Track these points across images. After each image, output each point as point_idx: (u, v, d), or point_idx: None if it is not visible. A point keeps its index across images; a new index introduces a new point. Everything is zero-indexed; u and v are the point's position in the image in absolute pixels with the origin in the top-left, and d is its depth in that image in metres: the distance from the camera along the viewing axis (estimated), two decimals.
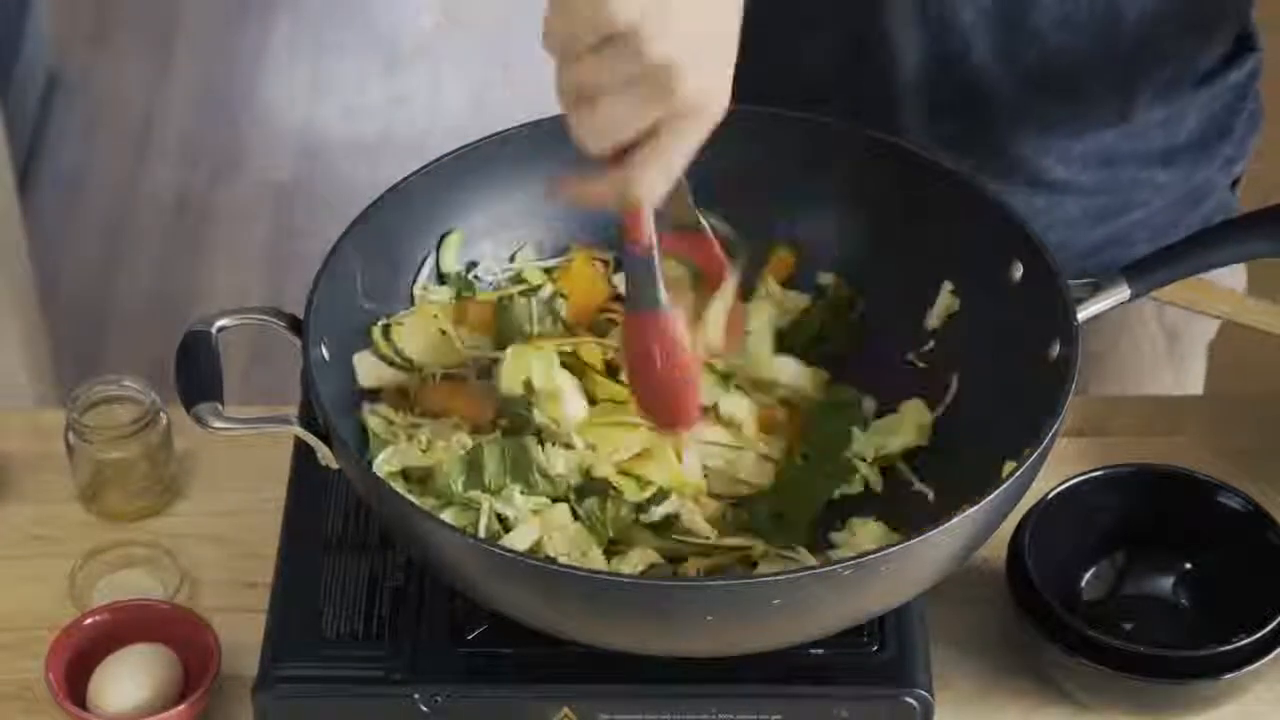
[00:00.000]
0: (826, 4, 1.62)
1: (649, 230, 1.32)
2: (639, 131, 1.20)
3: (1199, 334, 1.84)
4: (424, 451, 1.43)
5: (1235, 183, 1.78)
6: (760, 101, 1.46)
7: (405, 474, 1.44)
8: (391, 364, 1.49)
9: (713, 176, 1.54)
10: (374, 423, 1.46)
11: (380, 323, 1.50)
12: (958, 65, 1.62)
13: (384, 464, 1.42)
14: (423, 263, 1.54)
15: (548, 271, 1.55)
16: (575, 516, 1.41)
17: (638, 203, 1.27)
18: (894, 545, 1.31)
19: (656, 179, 1.23)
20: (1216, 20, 1.67)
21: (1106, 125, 1.67)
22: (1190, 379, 1.86)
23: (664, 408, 1.41)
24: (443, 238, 1.54)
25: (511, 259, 1.56)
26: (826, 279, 1.57)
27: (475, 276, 1.55)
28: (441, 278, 1.54)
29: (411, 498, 1.39)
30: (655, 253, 1.33)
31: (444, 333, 1.49)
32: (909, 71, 1.63)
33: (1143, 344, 1.81)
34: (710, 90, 1.21)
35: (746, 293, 1.55)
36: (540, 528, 1.39)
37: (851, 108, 1.55)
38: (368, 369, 1.48)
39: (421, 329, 1.50)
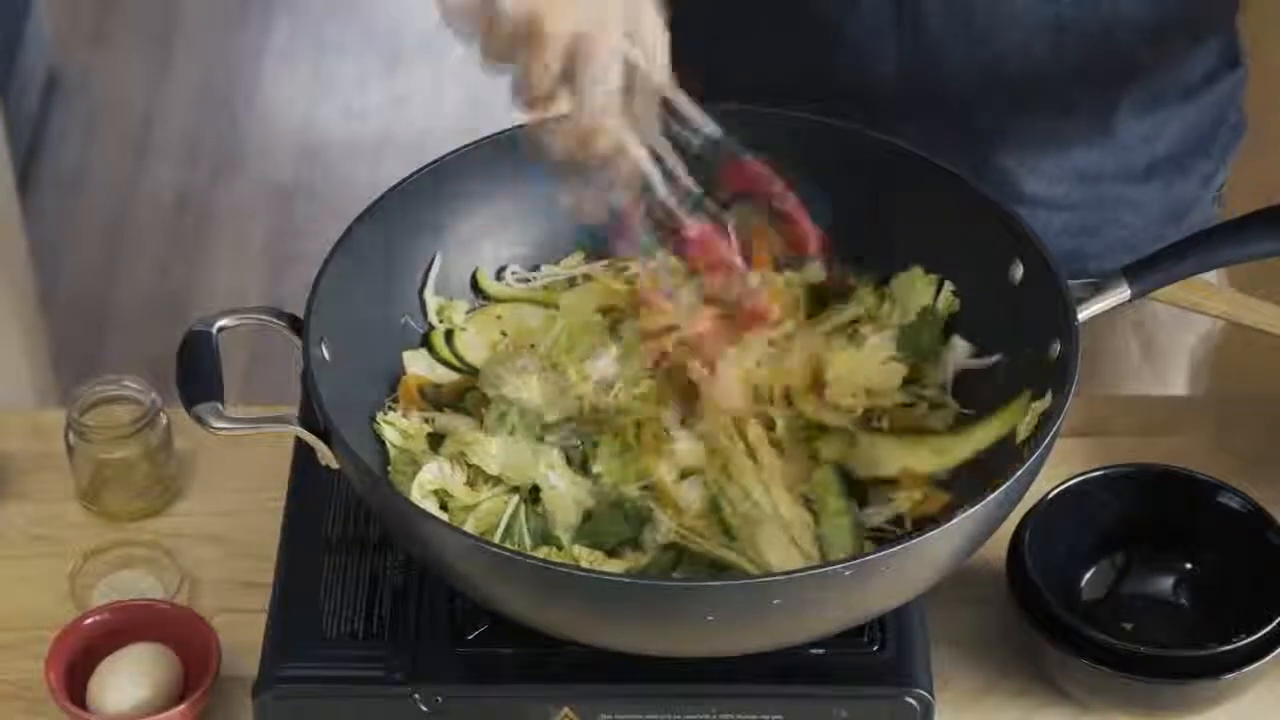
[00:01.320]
0: (802, 4, 1.62)
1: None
2: (551, 79, 1.33)
3: (1177, 343, 1.84)
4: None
5: (1215, 197, 1.78)
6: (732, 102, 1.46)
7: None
8: (449, 366, 1.51)
9: (711, 175, 1.55)
10: (389, 433, 1.46)
11: (442, 328, 1.52)
12: (932, 73, 1.61)
13: (424, 485, 1.43)
14: (429, 267, 1.54)
15: (571, 283, 1.56)
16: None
17: (597, 137, 1.36)
18: (894, 545, 1.31)
19: (589, 105, 1.34)
20: (1201, 34, 1.66)
21: (1087, 141, 1.66)
22: (1168, 390, 1.86)
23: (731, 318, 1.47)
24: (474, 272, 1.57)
25: (537, 268, 1.57)
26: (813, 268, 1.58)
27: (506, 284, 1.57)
28: (481, 294, 1.56)
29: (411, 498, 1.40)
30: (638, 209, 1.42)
31: (504, 334, 1.52)
32: (884, 77, 1.63)
33: (1118, 354, 1.80)
34: (583, 19, 1.32)
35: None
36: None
37: (825, 111, 1.56)
38: (420, 367, 1.51)
39: (484, 334, 1.53)
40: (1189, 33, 1.64)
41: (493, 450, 1.43)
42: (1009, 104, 1.63)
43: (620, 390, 1.48)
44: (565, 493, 1.43)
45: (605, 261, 1.57)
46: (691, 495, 1.44)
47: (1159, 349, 1.82)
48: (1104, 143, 1.67)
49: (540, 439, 1.46)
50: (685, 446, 1.45)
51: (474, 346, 1.53)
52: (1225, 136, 1.74)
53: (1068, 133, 1.66)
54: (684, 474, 1.45)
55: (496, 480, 1.45)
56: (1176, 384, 1.87)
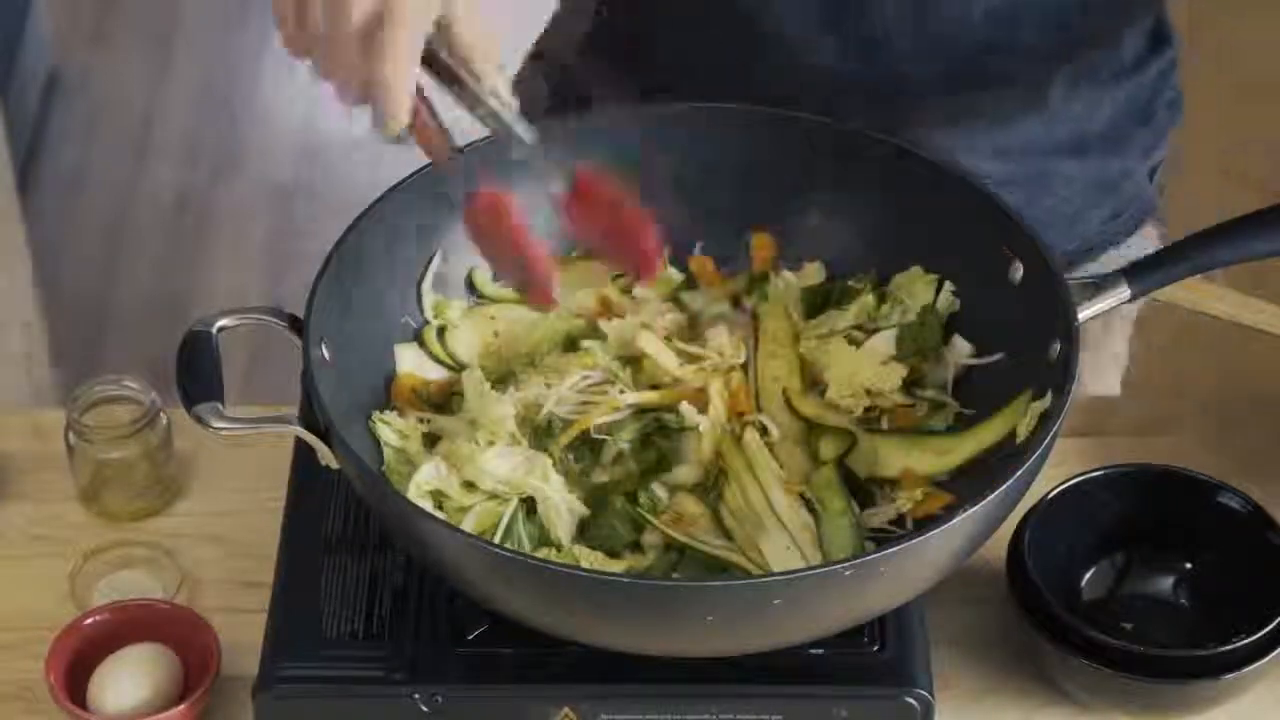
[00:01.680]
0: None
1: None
2: (353, 26, 1.28)
3: (1116, 332, 1.85)
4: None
5: (1154, 171, 1.79)
6: (655, 97, 1.46)
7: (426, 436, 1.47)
8: (440, 363, 1.51)
9: (712, 175, 1.55)
10: (385, 432, 1.46)
11: (435, 324, 1.52)
12: (868, 49, 1.62)
13: (420, 485, 1.43)
14: (428, 264, 1.54)
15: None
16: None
17: (389, 94, 1.30)
18: (894, 545, 1.31)
19: (384, 65, 1.29)
20: (1133, 13, 1.68)
21: (1023, 118, 1.67)
22: (1106, 382, 1.87)
23: (529, 286, 1.42)
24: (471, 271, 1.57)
25: None
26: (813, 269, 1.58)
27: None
28: (477, 294, 1.56)
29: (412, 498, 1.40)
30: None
31: (497, 335, 1.52)
32: (819, 53, 1.63)
33: None
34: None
35: (749, 285, 1.56)
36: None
37: (751, 101, 1.56)
38: (409, 362, 1.51)
39: (476, 333, 1.53)
40: (1122, 11, 1.65)
41: (484, 466, 1.43)
42: (946, 80, 1.64)
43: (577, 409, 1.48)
44: (560, 504, 1.42)
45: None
46: (691, 499, 1.45)
47: (1101, 352, 1.83)
48: (1039, 120, 1.68)
49: (540, 448, 1.46)
50: (685, 468, 1.46)
51: (465, 344, 1.53)
52: (1161, 113, 1.76)
53: (1003, 110, 1.67)
54: (686, 482, 1.46)
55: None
56: (1115, 381, 1.88)
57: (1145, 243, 1.78)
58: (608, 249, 1.42)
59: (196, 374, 1.41)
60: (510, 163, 1.38)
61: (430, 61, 1.34)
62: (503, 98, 1.36)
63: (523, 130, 1.36)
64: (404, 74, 1.30)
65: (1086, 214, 1.74)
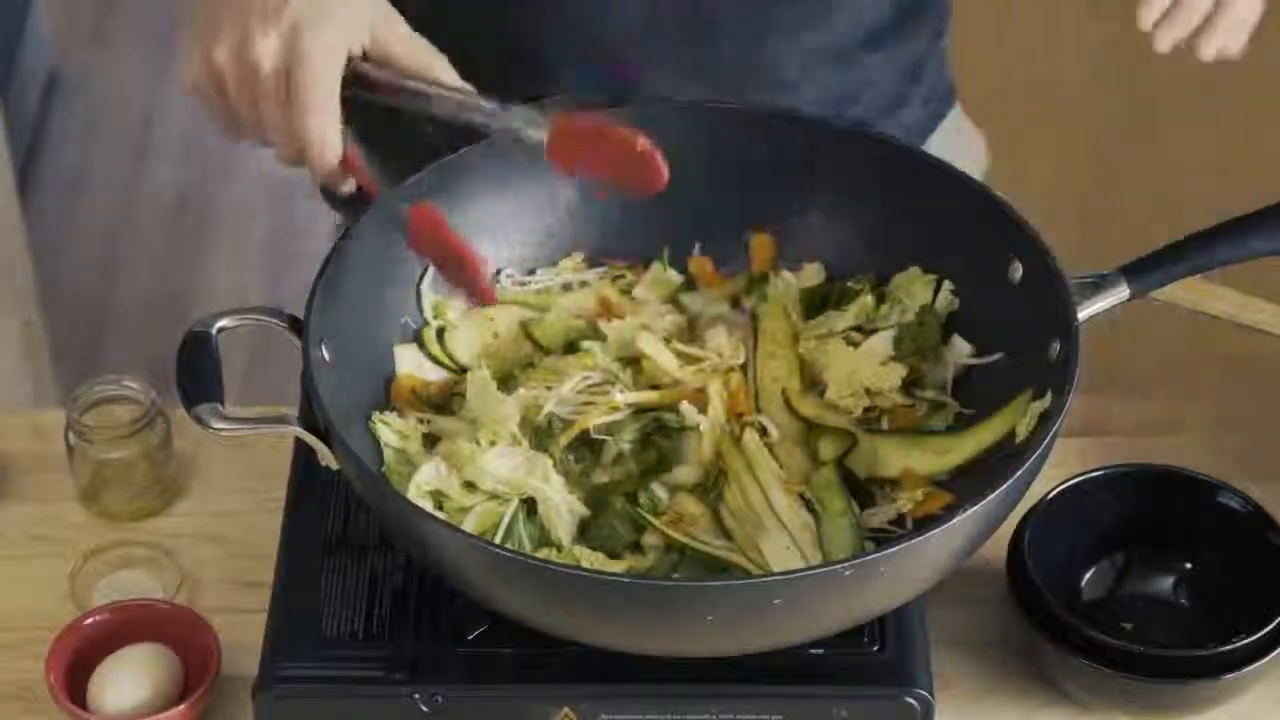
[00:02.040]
0: None
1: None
2: (264, 81, 1.37)
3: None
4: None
5: (945, 54, 1.81)
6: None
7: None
8: (439, 364, 1.51)
9: (712, 175, 1.55)
10: (385, 433, 1.46)
11: (434, 325, 1.52)
12: None
13: (420, 485, 1.43)
14: (428, 264, 1.54)
15: (566, 288, 1.56)
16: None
17: (316, 146, 1.38)
18: (894, 545, 1.31)
19: (306, 120, 1.37)
20: None
21: (819, 19, 1.67)
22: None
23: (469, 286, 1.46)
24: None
25: (533, 271, 1.57)
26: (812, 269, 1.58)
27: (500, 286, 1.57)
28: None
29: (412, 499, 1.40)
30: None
31: (496, 336, 1.52)
32: (631, 12, 1.63)
33: None
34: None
35: (748, 286, 1.56)
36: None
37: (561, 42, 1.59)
38: (409, 363, 1.51)
39: (476, 334, 1.53)
40: None
41: (485, 466, 1.43)
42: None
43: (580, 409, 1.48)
44: (560, 504, 1.42)
45: (603, 268, 1.57)
46: (691, 499, 1.45)
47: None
48: (836, 18, 1.68)
49: (541, 448, 1.46)
50: (685, 468, 1.46)
51: (465, 345, 1.53)
52: None
53: (802, 14, 1.66)
54: (686, 482, 1.46)
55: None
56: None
57: (965, 122, 1.82)
58: (609, 177, 1.44)
59: (196, 374, 1.41)
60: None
61: (374, 87, 1.41)
62: (462, 88, 1.43)
63: (489, 106, 1.42)
64: (325, 123, 1.37)
65: (903, 102, 1.74)
